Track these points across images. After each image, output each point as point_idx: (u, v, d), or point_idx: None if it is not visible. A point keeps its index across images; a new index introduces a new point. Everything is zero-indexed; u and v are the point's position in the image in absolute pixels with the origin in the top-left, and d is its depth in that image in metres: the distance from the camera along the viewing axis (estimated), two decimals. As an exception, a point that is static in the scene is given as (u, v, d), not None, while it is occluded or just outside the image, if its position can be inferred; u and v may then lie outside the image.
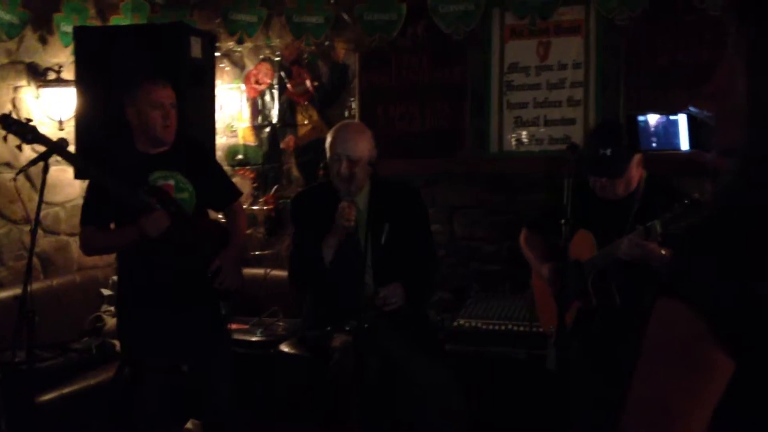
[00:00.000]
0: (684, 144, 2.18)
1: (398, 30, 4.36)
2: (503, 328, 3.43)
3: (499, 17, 4.19)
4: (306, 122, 4.70)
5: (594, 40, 4.01)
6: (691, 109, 2.09)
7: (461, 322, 3.53)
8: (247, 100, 4.85)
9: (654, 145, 2.35)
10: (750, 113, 0.93)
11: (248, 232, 4.62)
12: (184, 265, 3.14)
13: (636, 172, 2.93)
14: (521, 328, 3.36)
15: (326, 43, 4.58)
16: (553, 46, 4.10)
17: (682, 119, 2.21)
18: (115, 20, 4.77)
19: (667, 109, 2.26)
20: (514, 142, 4.19)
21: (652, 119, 2.37)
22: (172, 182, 3.17)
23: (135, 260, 3.17)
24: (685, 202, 2.55)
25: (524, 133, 4.17)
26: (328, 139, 3.21)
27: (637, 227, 2.70)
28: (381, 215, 3.08)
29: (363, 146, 3.14)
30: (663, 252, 2.68)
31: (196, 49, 3.82)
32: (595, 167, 2.85)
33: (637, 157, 2.90)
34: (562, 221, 2.73)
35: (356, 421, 2.89)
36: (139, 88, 3.12)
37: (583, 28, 4.03)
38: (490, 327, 3.46)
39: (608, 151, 2.80)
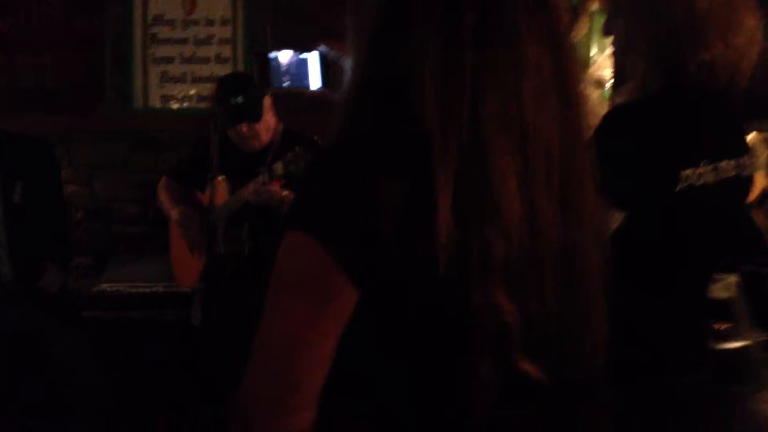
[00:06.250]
0: (314, 83, 2.24)
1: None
2: (149, 290, 3.31)
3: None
4: None
5: (241, -3, 3.96)
6: (322, 48, 2.17)
7: (103, 286, 3.34)
8: None
9: (285, 83, 2.39)
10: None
11: None
12: None
13: (271, 116, 2.96)
14: (169, 289, 3.26)
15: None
16: (199, 0, 3.97)
17: (312, 58, 2.28)
18: None
19: (300, 48, 2.31)
20: (160, 99, 3.99)
21: (283, 57, 2.41)
22: None
23: None
24: (305, 143, 2.68)
25: (171, 89, 3.99)
26: None
27: (261, 171, 2.76)
28: (11, 173, 2.91)
29: None
30: (284, 193, 2.76)
31: None
32: (232, 116, 2.84)
33: (267, 100, 2.94)
34: (209, 176, 2.71)
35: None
36: None
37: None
38: (135, 290, 3.31)
39: (239, 99, 2.82)
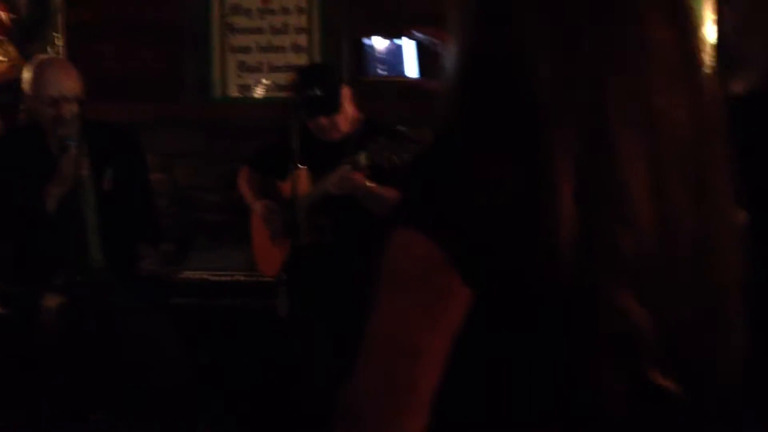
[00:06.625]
0: (411, 70, 2.17)
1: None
2: (232, 278, 3.37)
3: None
4: (2, 59, 4.15)
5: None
6: (417, 34, 2.10)
7: (187, 274, 3.43)
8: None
9: (381, 71, 2.33)
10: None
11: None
12: None
13: (350, 106, 2.96)
14: (252, 278, 3.32)
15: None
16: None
17: (407, 45, 2.19)
18: None
19: (395, 35, 2.23)
20: (238, 88, 4.05)
21: (379, 43, 2.34)
22: None
23: None
24: (389, 133, 2.67)
25: (249, 78, 4.04)
26: (31, 79, 2.96)
27: (344, 161, 2.76)
28: (101, 160, 2.97)
29: (77, 83, 2.96)
30: (368, 184, 2.77)
31: None
32: (310, 109, 2.87)
33: (346, 90, 2.94)
34: (291, 166, 2.75)
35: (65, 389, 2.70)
36: None
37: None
38: (218, 278, 3.38)
39: (318, 91, 2.84)
